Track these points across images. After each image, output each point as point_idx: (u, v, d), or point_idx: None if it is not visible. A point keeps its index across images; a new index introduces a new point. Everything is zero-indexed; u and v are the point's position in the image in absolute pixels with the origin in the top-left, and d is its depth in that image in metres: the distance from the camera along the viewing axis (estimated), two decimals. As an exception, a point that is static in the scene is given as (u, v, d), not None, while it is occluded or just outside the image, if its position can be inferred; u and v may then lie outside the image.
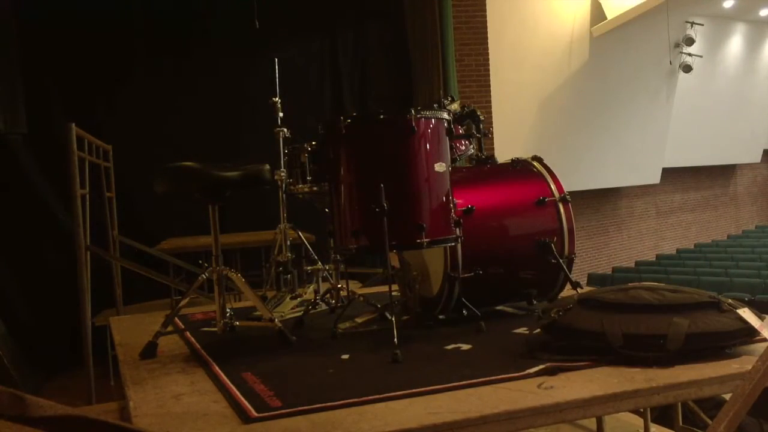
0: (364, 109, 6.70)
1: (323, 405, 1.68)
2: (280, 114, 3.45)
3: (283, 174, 3.25)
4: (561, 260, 2.63)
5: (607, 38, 12.45)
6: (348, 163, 2.34)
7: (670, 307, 1.95)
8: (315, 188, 2.74)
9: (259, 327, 2.61)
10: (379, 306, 2.68)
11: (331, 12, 7.06)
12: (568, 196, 2.71)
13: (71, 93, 5.97)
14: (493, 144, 7.05)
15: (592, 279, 12.50)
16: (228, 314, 2.53)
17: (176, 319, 2.78)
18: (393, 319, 2.20)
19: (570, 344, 1.99)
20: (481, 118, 2.95)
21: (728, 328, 1.90)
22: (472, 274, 2.50)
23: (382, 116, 2.33)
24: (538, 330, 2.16)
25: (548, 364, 1.88)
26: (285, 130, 3.37)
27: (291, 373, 2.06)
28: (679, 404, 3.03)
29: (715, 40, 15.93)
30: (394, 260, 2.75)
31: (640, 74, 13.76)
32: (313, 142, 2.77)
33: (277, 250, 3.45)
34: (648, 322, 1.91)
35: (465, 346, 2.23)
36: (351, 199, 2.32)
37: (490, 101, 7.52)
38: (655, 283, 2.20)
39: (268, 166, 2.66)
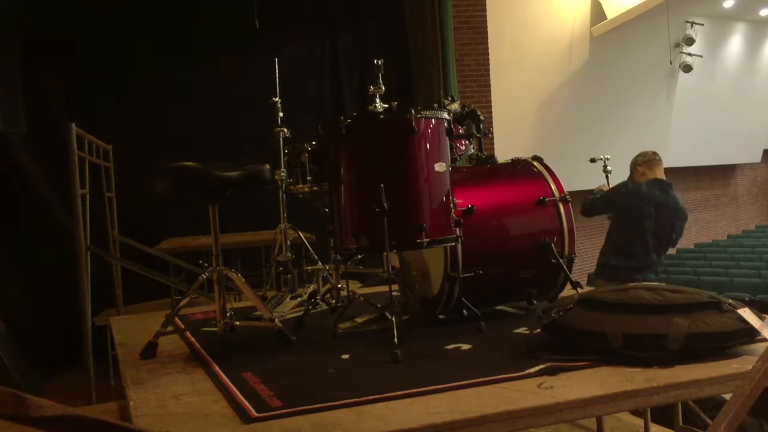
0: (364, 109, 6.68)
1: (323, 405, 1.68)
2: (280, 114, 3.45)
3: (283, 174, 3.25)
4: (561, 260, 2.63)
5: (607, 38, 12.44)
6: (348, 163, 2.33)
7: (671, 307, 1.95)
8: (315, 188, 2.74)
9: (259, 327, 2.61)
10: (379, 306, 2.68)
11: (331, 12, 7.05)
12: (568, 196, 2.71)
13: (71, 93, 5.97)
14: (493, 144, 7.04)
15: (593, 279, 12.49)
16: (228, 314, 2.54)
17: (176, 319, 2.78)
18: (393, 319, 2.20)
19: (570, 344, 1.99)
20: (482, 118, 2.95)
21: (728, 328, 1.90)
22: (472, 274, 2.50)
23: (382, 116, 2.33)
24: (539, 330, 2.16)
25: (548, 364, 1.88)
26: (285, 130, 3.37)
27: (291, 373, 2.06)
28: (679, 404, 3.03)
29: (716, 40, 15.92)
30: (394, 260, 2.75)
31: (640, 74, 13.76)
32: (313, 142, 2.77)
33: (277, 250, 3.45)
34: (648, 322, 1.91)
35: (465, 346, 2.23)
36: (351, 199, 2.32)
37: (490, 101, 7.51)
38: (656, 283, 2.20)
39: (268, 166, 2.66)
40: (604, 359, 1.90)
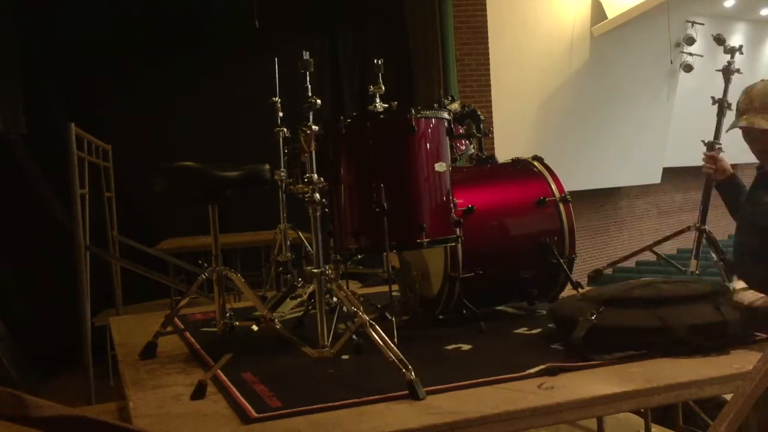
0: (364, 109, 6.68)
1: (323, 405, 1.68)
2: (280, 114, 3.44)
3: (283, 174, 3.25)
4: (561, 260, 2.63)
5: (607, 38, 12.43)
6: (348, 162, 2.33)
7: (705, 296, 2.05)
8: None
9: (259, 327, 2.60)
10: (379, 306, 2.68)
11: (331, 12, 7.05)
12: (568, 196, 2.71)
13: (71, 93, 5.97)
14: (493, 144, 7.04)
15: (593, 279, 12.48)
16: (228, 314, 2.53)
17: (176, 319, 2.78)
18: (393, 319, 2.20)
19: (624, 342, 2.01)
20: (482, 117, 2.95)
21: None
22: (473, 274, 2.49)
23: (382, 116, 2.33)
24: (539, 330, 2.15)
25: (549, 365, 1.88)
26: (285, 130, 3.36)
27: (291, 373, 2.06)
28: (680, 404, 3.03)
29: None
30: (394, 260, 2.74)
31: (640, 74, 13.74)
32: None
33: (277, 250, 3.44)
34: (702, 310, 1.99)
35: (465, 346, 2.23)
36: (351, 199, 2.32)
37: (490, 101, 7.51)
38: (675, 278, 2.27)
39: (268, 166, 2.65)
40: (658, 352, 1.94)
